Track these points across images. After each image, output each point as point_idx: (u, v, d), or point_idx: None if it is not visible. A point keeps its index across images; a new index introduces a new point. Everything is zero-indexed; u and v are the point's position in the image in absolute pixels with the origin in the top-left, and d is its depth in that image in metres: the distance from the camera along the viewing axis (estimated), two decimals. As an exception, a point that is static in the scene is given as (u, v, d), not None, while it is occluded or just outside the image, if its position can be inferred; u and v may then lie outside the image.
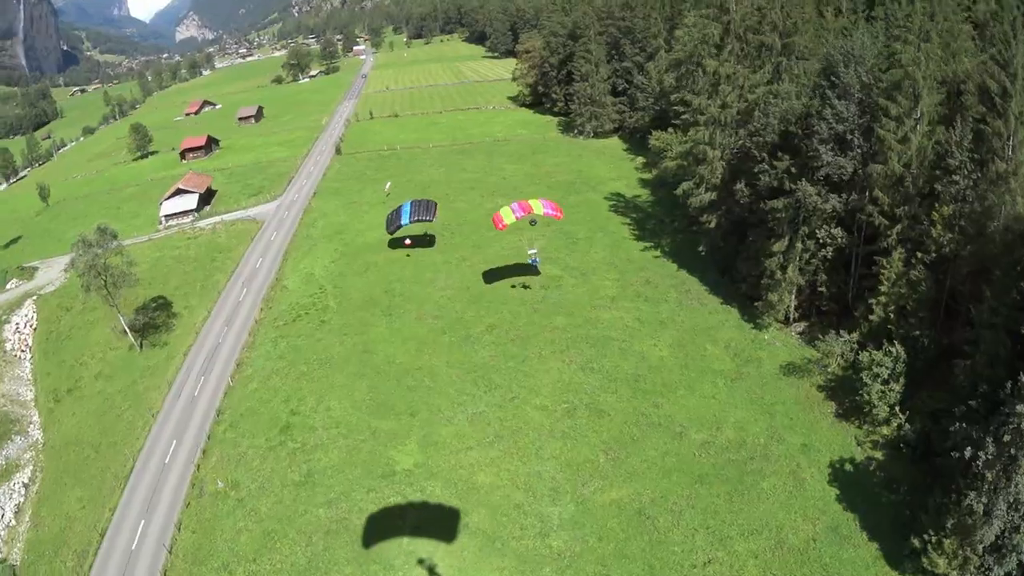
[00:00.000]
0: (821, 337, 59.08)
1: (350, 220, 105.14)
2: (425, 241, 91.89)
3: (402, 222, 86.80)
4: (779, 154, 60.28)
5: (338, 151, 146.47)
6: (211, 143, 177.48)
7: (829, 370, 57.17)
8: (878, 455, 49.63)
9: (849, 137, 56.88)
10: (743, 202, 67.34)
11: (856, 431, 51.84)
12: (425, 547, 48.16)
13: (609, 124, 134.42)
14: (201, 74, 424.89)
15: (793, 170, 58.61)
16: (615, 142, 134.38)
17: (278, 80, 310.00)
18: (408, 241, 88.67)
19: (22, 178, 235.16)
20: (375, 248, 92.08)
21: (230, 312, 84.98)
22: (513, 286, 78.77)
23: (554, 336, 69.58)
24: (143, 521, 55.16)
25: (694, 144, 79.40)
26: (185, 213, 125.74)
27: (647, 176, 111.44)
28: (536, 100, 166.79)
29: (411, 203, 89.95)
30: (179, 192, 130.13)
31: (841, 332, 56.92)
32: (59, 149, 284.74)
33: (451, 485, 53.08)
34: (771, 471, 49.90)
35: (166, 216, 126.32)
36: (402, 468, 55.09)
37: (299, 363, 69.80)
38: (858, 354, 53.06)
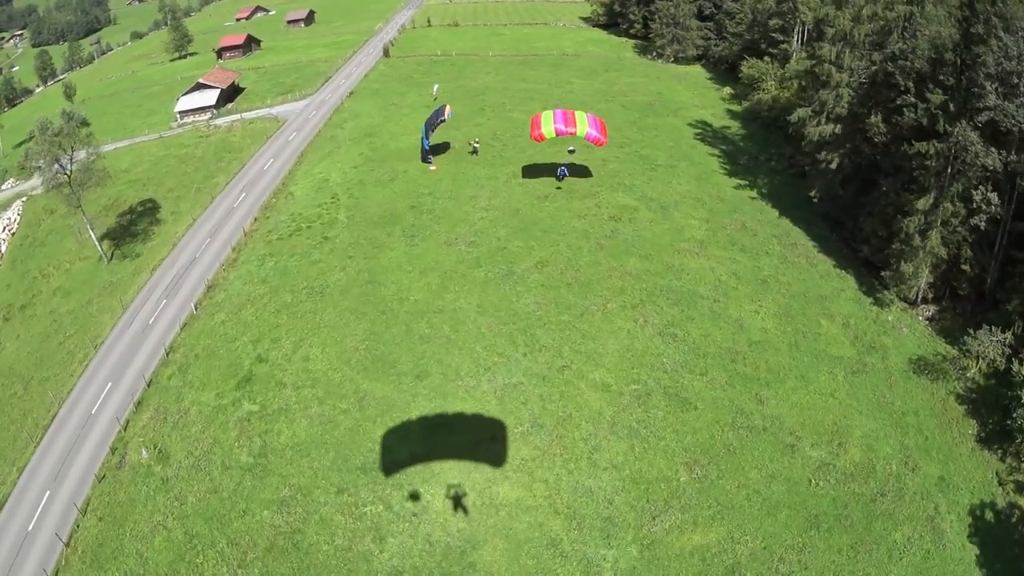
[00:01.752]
0: (956, 327, 47.34)
1: (384, 122, 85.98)
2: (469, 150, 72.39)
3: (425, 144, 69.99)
4: (929, 86, 46.40)
5: (386, 53, 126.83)
6: (251, 42, 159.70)
7: (969, 375, 43.07)
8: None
9: (1016, 81, 42.86)
10: (877, 141, 51.99)
11: (998, 464, 38.51)
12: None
13: (692, 50, 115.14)
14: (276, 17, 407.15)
15: (951, 107, 44.82)
16: (697, 70, 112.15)
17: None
18: (433, 167, 69.36)
19: (59, 80, 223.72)
20: (407, 155, 72.78)
21: (219, 221, 67.76)
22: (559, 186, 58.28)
23: (624, 284, 50.28)
24: (48, 492, 40.46)
25: (817, 62, 58.72)
26: (203, 110, 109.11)
27: (736, 108, 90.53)
28: (611, 20, 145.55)
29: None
30: (199, 87, 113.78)
31: (988, 327, 43.39)
32: (103, 54, 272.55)
33: (458, 497, 34.80)
34: (905, 516, 35.86)
35: (181, 112, 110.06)
36: (392, 459, 37.03)
37: (284, 290, 52.01)
38: (1011, 361, 40.70)
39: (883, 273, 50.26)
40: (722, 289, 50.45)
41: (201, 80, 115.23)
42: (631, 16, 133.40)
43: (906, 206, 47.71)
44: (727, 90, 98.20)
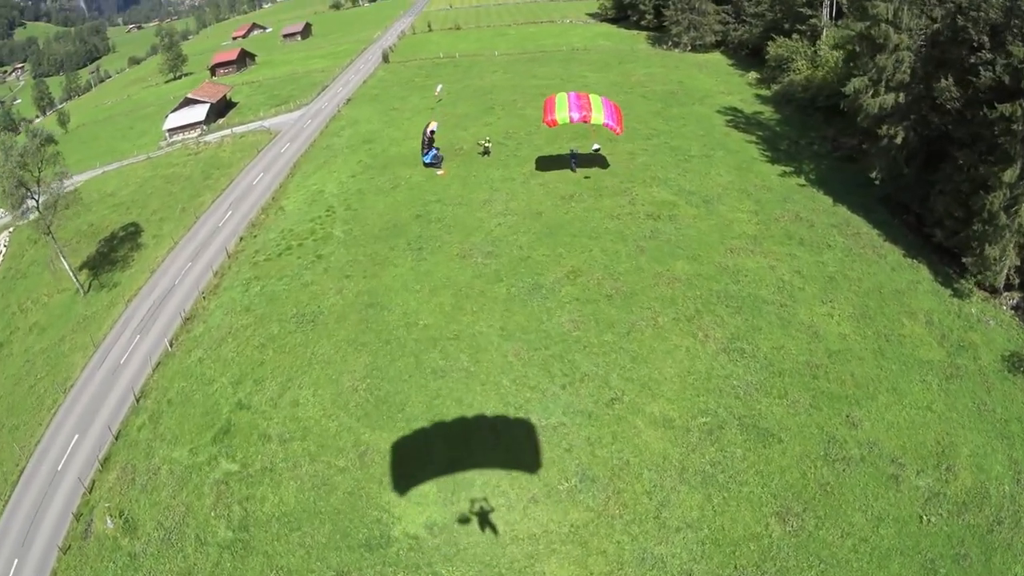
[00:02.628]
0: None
1: (384, 128, 78.42)
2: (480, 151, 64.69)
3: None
4: (1008, 37, 39.35)
5: (385, 59, 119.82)
6: (245, 58, 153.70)
7: (1070, 373, 35.65)
8: None
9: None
10: (949, 108, 44.28)
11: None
12: None
13: (710, 36, 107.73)
14: (262, 7, 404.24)
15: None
16: (717, 57, 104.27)
17: (336, 6, 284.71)
18: (440, 171, 61.69)
19: (57, 110, 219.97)
20: (410, 160, 65.04)
21: (202, 242, 60.31)
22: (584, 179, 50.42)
23: (675, 293, 42.25)
24: (16, 560, 34.36)
25: (872, 22, 50.85)
26: (192, 126, 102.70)
27: (764, 92, 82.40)
28: (620, 14, 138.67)
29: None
30: (188, 103, 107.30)
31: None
32: (101, 81, 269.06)
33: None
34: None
35: (170, 130, 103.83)
36: (403, 533, 29.14)
37: (270, 320, 44.22)
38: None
39: (964, 260, 42.58)
40: (787, 291, 42.51)
41: (190, 95, 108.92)
42: (641, 6, 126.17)
43: (988, 179, 40.10)
44: (752, 75, 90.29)
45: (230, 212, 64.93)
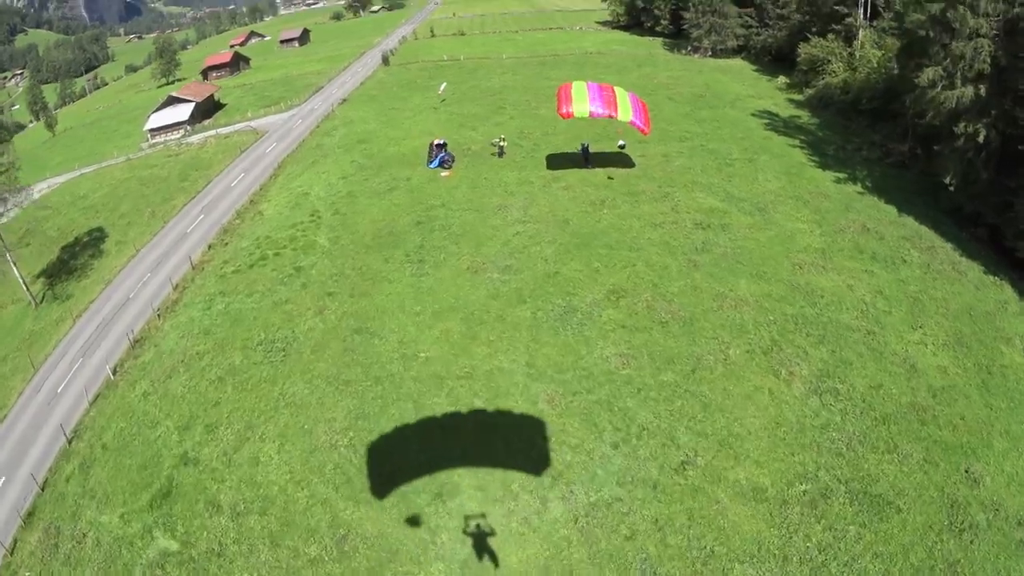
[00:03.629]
0: None
1: (382, 127, 69.51)
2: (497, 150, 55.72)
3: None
4: None
5: (385, 62, 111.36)
6: (238, 61, 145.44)
7: None
8: None
9: None
10: None
11: None
12: None
13: (732, 40, 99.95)
14: (262, 20, 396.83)
15: None
16: (739, 63, 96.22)
17: (337, 17, 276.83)
18: (445, 173, 52.61)
19: (47, 116, 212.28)
20: (410, 160, 56.14)
21: (166, 250, 51.13)
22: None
23: (743, 318, 33.52)
24: None
25: (948, 4, 43.11)
26: (175, 126, 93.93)
27: (796, 96, 74.19)
28: (633, 20, 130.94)
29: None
30: (172, 102, 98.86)
31: None
32: (97, 88, 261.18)
33: None
34: None
35: (152, 131, 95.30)
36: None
37: (232, 346, 34.98)
38: None
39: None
40: (871, 314, 33.85)
41: (173, 94, 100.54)
42: (656, 11, 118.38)
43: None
44: (782, 79, 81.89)
45: (202, 216, 55.80)
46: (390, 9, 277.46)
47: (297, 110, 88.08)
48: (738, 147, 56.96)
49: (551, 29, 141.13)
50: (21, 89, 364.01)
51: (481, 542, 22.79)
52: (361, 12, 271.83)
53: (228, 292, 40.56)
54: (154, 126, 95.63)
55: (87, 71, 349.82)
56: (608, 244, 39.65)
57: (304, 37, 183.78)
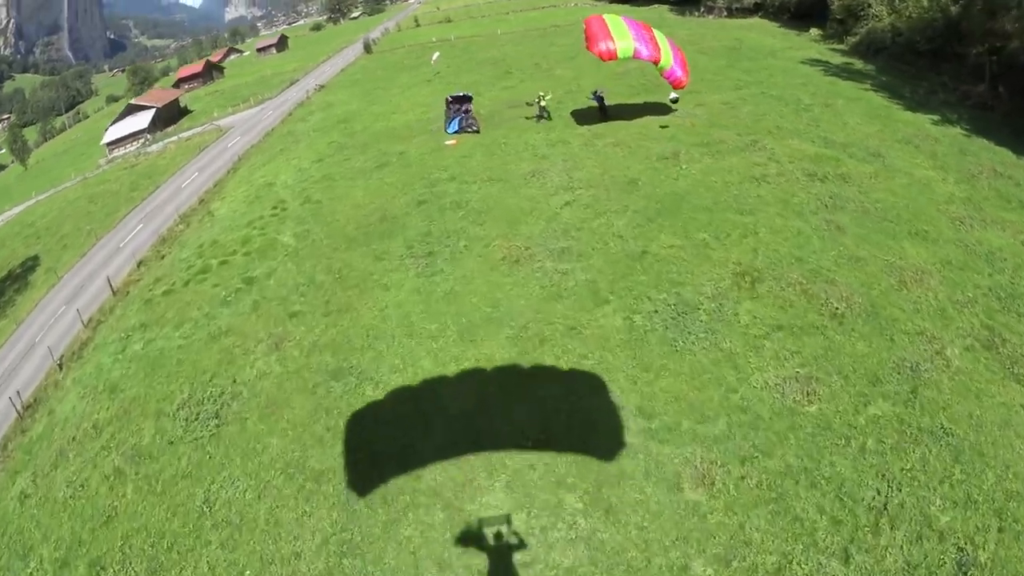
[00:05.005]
0: None
1: (366, 107, 55.96)
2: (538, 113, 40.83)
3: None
4: None
5: (367, 50, 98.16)
6: (211, 70, 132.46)
7: None
8: None
9: None
10: None
11: None
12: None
13: None
14: (243, 42, 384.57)
15: None
16: (759, 21, 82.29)
17: (317, 27, 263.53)
18: (451, 141, 38.43)
19: (23, 154, 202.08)
20: (403, 134, 42.57)
21: (90, 274, 37.84)
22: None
23: (935, 297, 20.56)
24: None
25: None
26: (135, 136, 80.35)
27: (838, 46, 60.45)
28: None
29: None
30: (131, 110, 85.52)
31: None
32: (78, 122, 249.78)
33: None
34: None
35: (110, 144, 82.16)
36: None
37: (143, 413, 21.29)
38: None
39: None
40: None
41: (133, 101, 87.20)
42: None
43: None
44: (814, 31, 68.38)
45: (140, 227, 42.29)
46: (370, 14, 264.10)
47: (269, 103, 74.73)
48: (805, 93, 43.57)
49: (544, 8, 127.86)
50: (6, 135, 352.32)
51: None
52: (341, 20, 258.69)
53: (151, 324, 26.82)
54: (112, 139, 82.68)
55: (71, 108, 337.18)
56: (704, 207, 25.91)
57: (282, 44, 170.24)
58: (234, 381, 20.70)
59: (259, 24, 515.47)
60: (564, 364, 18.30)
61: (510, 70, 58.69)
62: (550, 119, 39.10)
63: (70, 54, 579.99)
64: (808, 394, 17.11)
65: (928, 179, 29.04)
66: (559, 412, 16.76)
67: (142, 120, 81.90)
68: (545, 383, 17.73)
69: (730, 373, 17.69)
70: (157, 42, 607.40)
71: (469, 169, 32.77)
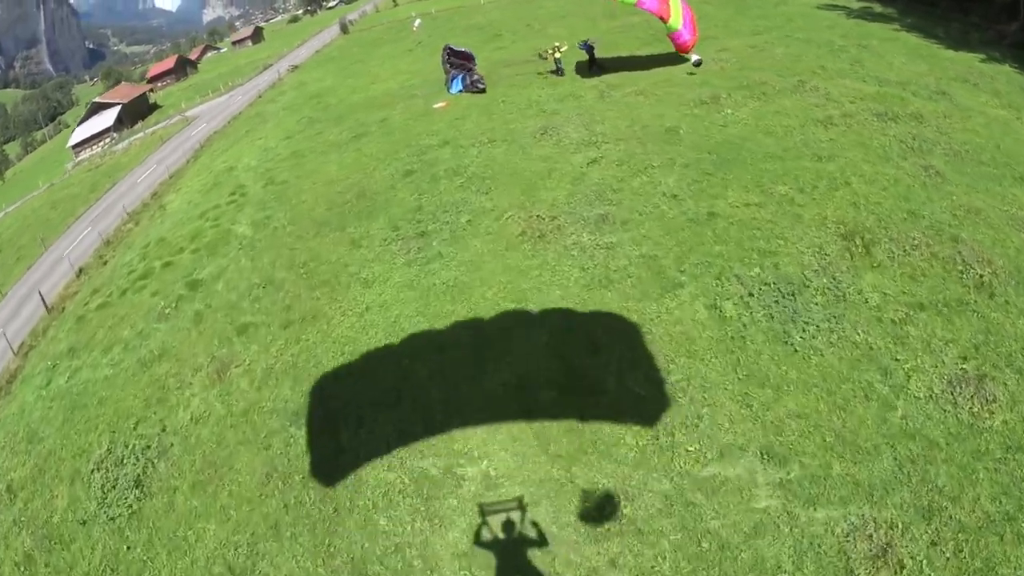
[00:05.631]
0: None
1: (342, 80, 49.67)
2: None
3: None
4: None
5: (344, 30, 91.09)
6: (184, 65, 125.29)
7: None
8: None
9: None
10: None
11: None
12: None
13: None
14: (221, 40, 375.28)
15: None
16: None
17: (294, 20, 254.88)
18: (441, 103, 31.95)
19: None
20: (383, 102, 36.21)
21: (30, 290, 31.26)
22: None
23: None
24: None
25: None
26: (101, 136, 73.93)
27: None
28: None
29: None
30: (96, 109, 79.11)
31: None
32: (57, 133, 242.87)
33: None
34: None
35: (76, 146, 75.86)
36: None
37: (57, 473, 15.36)
38: None
39: None
40: None
41: (97, 99, 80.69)
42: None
43: None
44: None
45: (88, 229, 36.16)
46: (348, 3, 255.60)
47: (240, 89, 68.15)
48: (835, 35, 37.39)
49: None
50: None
51: None
52: (318, 11, 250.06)
53: (80, 348, 20.83)
54: (78, 140, 76.51)
55: (52, 119, 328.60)
56: (772, 154, 19.89)
57: (257, 35, 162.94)
58: (163, 429, 14.72)
59: (237, 24, 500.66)
60: (630, 375, 12.31)
61: (499, 33, 52.41)
62: (559, 74, 32.82)
63: (50, 66, 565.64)
64: (986, 401, 11.31)
65: (1003, 118, 23.40)
66: (647, 478, 10.81)
67: (107, 118, 75.52)
68: (606, 419, 11.73)
69: (876, 379, 11.80)
70: (136, 48, 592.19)
71: (464, 132, 26.57)
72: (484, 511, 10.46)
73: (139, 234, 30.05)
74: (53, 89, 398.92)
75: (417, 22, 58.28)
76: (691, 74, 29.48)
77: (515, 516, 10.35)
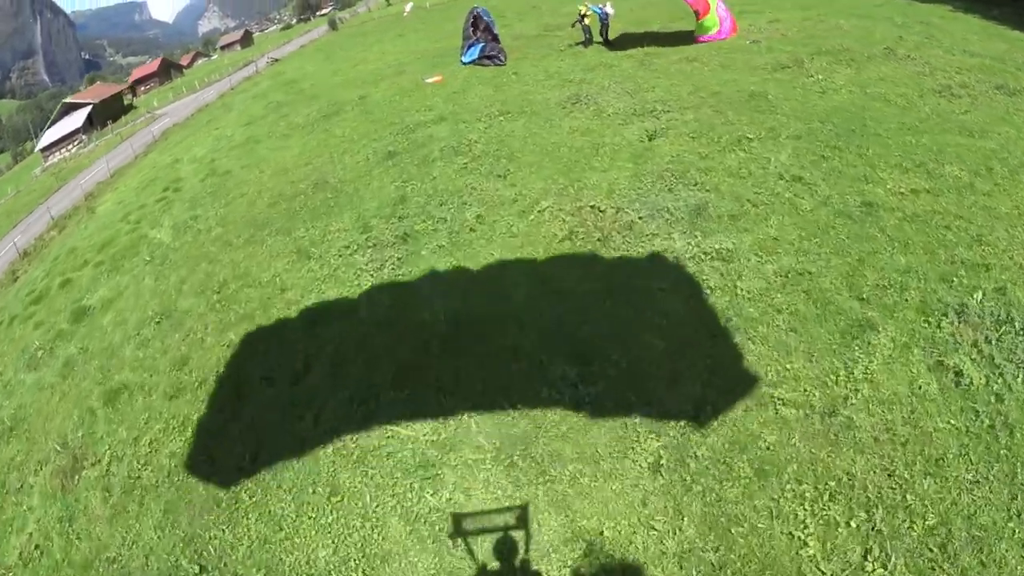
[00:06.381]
0: None
1: (322, 65, 43.30)
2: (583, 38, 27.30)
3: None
4: None
5: (333, 27, 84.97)
6: (168, 68, 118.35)
7: None
8: None
9: None
10: None
11: None
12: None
13: None
14: (214, 49, 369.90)
15: None
16: None
17: (287, 28, 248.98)
18: (435, 78, 25.16)
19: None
20: (363, 80, 29.33)
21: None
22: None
23: None
24: None
25: None
26: (71, 138, 67.41)
27: None
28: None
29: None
30: (66, 110, 72.37)
31: None
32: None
33: None
34: None
35: (45, 150, 69.04)
36: None
37: None
38: None
39: None
40: None
41: (68, 100, 74.00)
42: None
43: None
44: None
45: (19, 237, 29.39)
46: (341, 9, 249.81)
47: (216, 85, 61.65)
48: (893, 12, 31.20)
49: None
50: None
51: None
52: (312, 18, 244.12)
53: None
54: (47, 143, 69.69)
55: (44, 129, 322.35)
56: (907, 126, 13.41)
57: (246, 39, 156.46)
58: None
59: (232, 32, 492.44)
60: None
61: (503, 14, 45.96)
62: (588, 45, 26.27)
63: (46, 77, 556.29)
64: None
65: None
66: None
67: (76, 119, 68.81)
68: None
69: None
70: (132, 59, 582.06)
71: (467, 106, 19.96)
72: None
73: (58, 243, 23.41)
74: (47, 99, 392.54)
75: (409, 6, 52.04)
76: (755, 42, 23.05)
77: None
